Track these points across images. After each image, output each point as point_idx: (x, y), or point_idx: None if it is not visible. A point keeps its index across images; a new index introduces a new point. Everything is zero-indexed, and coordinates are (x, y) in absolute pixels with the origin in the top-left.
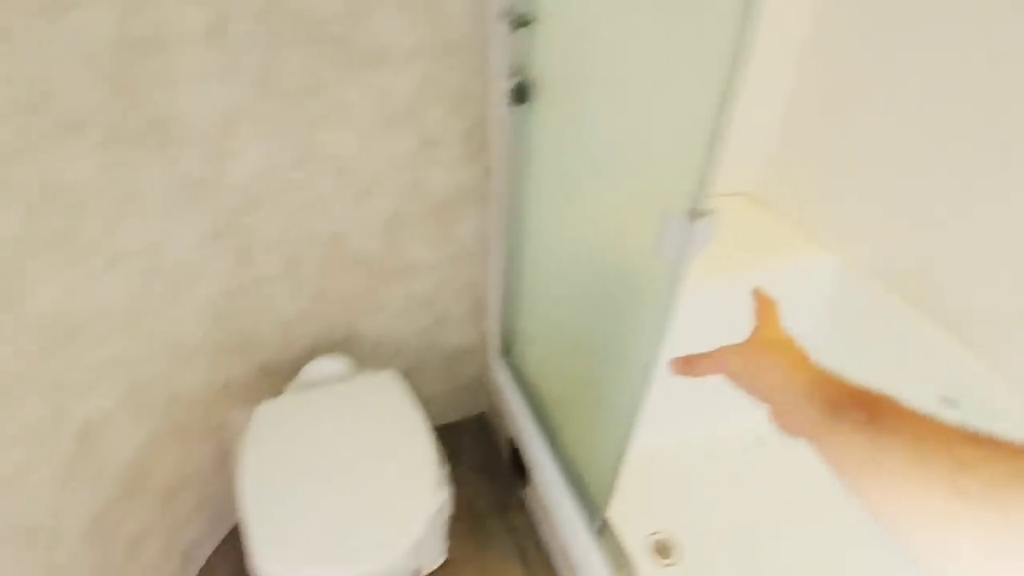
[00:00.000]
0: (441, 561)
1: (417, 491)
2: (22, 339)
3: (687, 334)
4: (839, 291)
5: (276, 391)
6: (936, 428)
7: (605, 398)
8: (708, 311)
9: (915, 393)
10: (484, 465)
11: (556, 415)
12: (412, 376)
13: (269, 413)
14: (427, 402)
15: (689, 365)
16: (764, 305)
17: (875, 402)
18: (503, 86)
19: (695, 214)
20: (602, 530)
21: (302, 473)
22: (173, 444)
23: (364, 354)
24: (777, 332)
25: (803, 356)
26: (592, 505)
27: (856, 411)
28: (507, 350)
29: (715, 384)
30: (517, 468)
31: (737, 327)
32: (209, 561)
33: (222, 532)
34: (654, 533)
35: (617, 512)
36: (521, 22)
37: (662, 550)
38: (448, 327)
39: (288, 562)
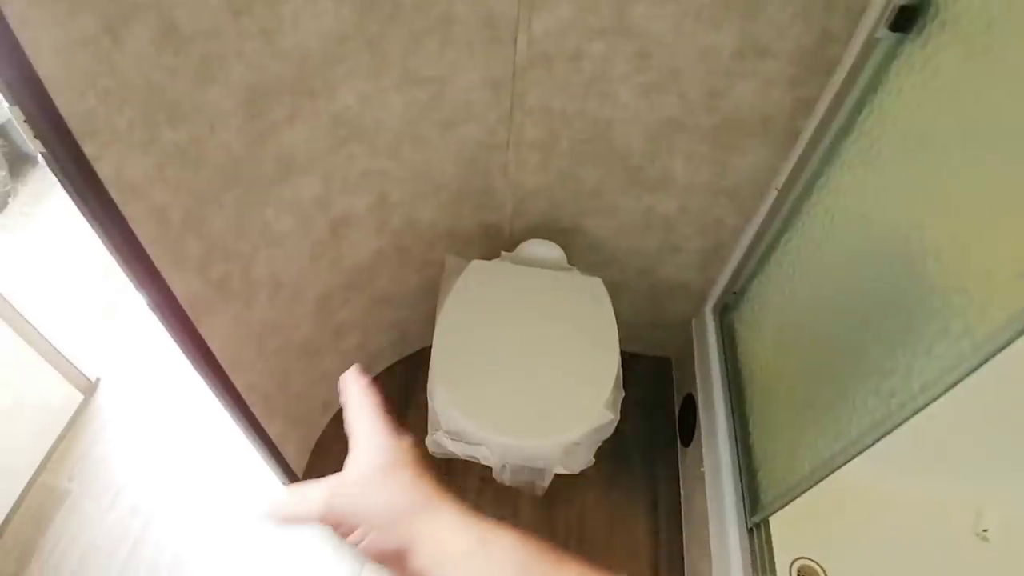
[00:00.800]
0: (578, 471)
1: (590, 401)
2: (322, 127)
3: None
4: None
5: (489, 255)
6: None
7: (831, 415)
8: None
9: None
10: (648, 407)
11: (755, 397)
12: (613, 292)
13: (481, 271)
14: (621, 323)
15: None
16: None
17: None
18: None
19: None
20: (755, 530)
21: (494, 335)
22: (394, 264)
23: (579, 253)
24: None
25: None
26: (756, 503)
27: None
28: (727, 308)
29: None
30: (683, 426)
31: None
32: (387, 371)
33: (402, 354)
34: (802, 557)
35: (773, 520)
36: None
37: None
38: (674, 260)
39: (457, 408)
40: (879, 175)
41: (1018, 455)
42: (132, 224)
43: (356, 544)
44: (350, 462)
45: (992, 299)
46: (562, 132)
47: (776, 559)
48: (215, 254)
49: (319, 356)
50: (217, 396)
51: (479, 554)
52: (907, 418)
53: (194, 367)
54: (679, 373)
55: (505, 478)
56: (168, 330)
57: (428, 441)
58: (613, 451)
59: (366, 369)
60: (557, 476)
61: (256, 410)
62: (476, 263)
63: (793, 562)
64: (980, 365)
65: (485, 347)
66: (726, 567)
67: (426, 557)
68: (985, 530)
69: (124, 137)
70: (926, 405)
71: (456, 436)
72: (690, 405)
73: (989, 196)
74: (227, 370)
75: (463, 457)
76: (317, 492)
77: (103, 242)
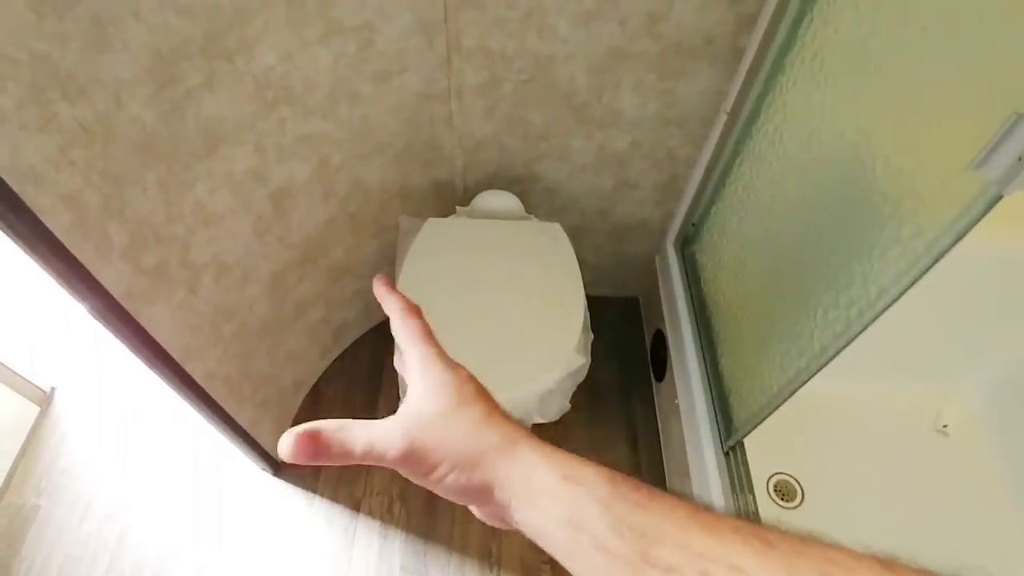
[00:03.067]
0: (555, 419)
1: (560, 347)
2: (245, 91)
3: (923, 295)
4: None
5: (445, 211)
6: None
7: (794, 332)
8: (968, 278)
9: None
10: (621, 348)
11: (721, 325)
12: (574, 236)
13: (437, 229)
14: (585, 267)
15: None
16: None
17: None
18: None
19: None
20: (731, 453)
21: (456, 293)
22: (347, 231)
23: (534, 199)
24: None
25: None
26: (730, 426)
27: None
28: (687, 240)
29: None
30: (655, 362)
31: None
32: (356, 343)
33: (371, 323)
34: (778, 473)
35: (747, 441)
36: None
37: (783, 491)
38: (631, 196)
39: None
40: (824, 87)
41: (970, 351)
42: (41, 215)
43: (437, 482)
44: (412, 398)
45: (941, 197)
46: (504, 74)
47: (753, 478)
48: (145, 240)
49: (282, 335)
50: (175, 389)
51: (561, 489)
52: (867, 325)
53: (143, 361)
54: (647, 310)
55: None
56: (105, 325)
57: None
58: (590, 394)
59: (335, 345)
60: (536, 426)
61: (220, 398)
62: (431, 221)
63: (770, 478)
64: (934, 263)
65: (448, 306)
66: (706, 490)
67: (508, 493)
68: (945, 425)
69: (13, 118)
70: (884, 310)
71: None
72: (660, 340)
73: (930, 94)
74: (179, 361)
75: None
76: (388, 432)
77: (9, 237)
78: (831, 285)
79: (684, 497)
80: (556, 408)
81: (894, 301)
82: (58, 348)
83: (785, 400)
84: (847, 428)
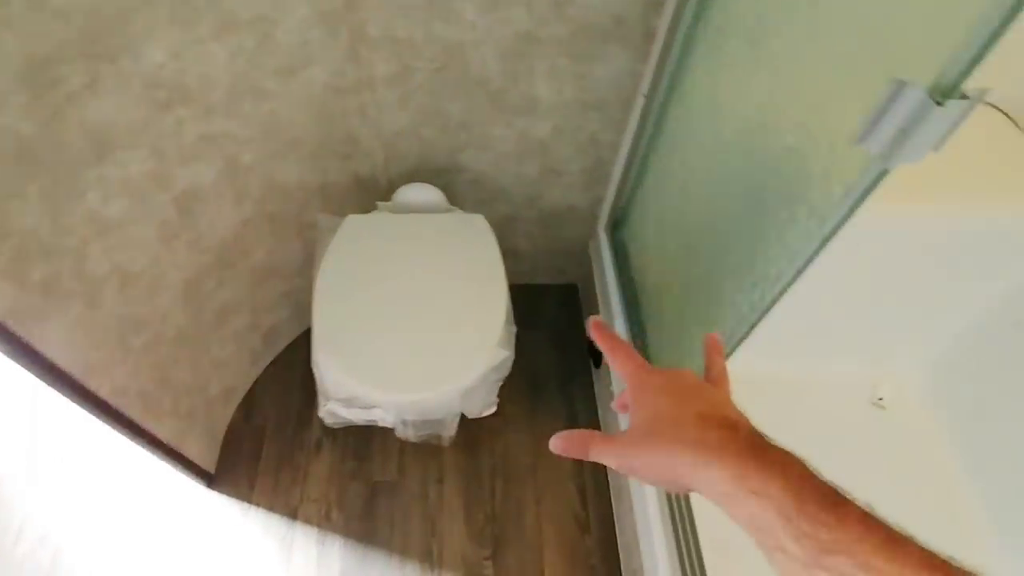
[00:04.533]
0: (487, 414)
1: (480, 342)
2: (134, 92)
3: (843, 273)
4: None
5: (368, 207)
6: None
7: (715, 308)
8: (889, 253)
9: None
10: (559, 334)
11: (651, 306)
12: (507, 226)
13: (356, 225)
14: (518, 257)
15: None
16: (718, 357)
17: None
18: None
19: (943, 92)
20: None
21: (376, 291)
22: (266, 233)
23: (460, 191)
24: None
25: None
26: None
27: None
28: (616, 224)
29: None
30: (593, 348)
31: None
32: (289, 348)
33: (303, 326)
34: None
35: None
36: None
37: None
38: (558, 182)
39: (342, 373)
40: (726, 64)
41: (901, 324)
42: None
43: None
44: (633, 420)
45: (830, 174)
46: (414, 63)
47: None
48: (30, 254)
49: (203, 344)
50: (81, 407)
51: (741, 499)
52: (768, 307)
53: (42, 381)
54: (585, 296)
55: (409, 435)
56: None
57: (322, 412)
58: (530, 384)
59: (266, 351)
60: (475, 420)
61: (134, 413)
62: (351, 218)
63: None
64: (824, 244)
65: (367, 305)
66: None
67: (708, 496)
68: (881, 399)
69: None
70: (783, 292)
71: (349, 403)
72: None
73: (819, 67)
74: (80, 379)
75: (361, 423)
76: (609, 452)
77: None
78: (736, 268)
79: (874, 520)
80: (481, 403)
81: (791, 282)
82: None
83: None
84: (786, 407)
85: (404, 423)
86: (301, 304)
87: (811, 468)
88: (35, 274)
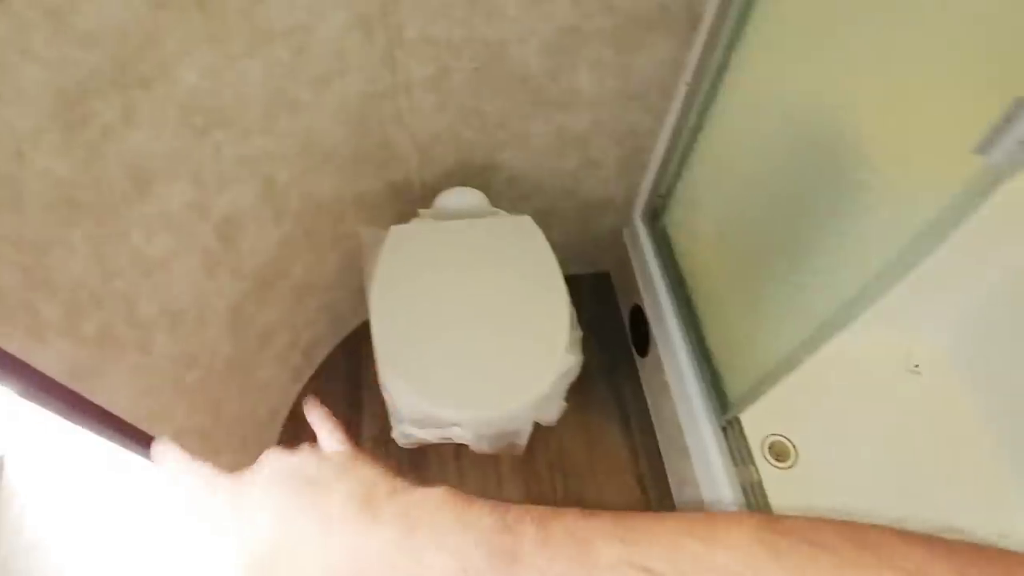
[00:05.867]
0: (555, 421)
1: (550, 349)
2: (171, 119)
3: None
4: None
5: (404, 213)
6: None
7: (786, 308)
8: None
9: None
10: (597, 325)
11: (702, 298)
12: (542, 221)
13: (402, 236)
14: (554, 250)
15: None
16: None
17: None
18: None
19: None
20: (728, 427)
21: (434, 304)
22: (304, 249)
23: (496, 190)
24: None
25: None
26: (725, 402)
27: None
28: (655, 213)
29: None
30: (637, 337)
31: None
32: (327, 360)
33: (340, 336)
34: (771, 435)
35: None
36: None
37: (778, 452)
38: (595, 174)
39: (415, 395)
40: (787, 52)
41: (931, 290)
42: None
43: None
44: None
45: (941, 179)
46: (452, 64)
47: (749, 439)
48: (82, 306)
49: (249, 370)
50: (144, 457)
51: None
52: (863, 308)
53: (106, 440)
54: (620, 284)
55: (484, 448)
56: (54, 412)
57: (395, 434)
58: (576, 380)
59: (306, 366)
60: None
61: (196, 454)
62: (395, 230)
63: (763, 441)
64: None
65: (428, 320)
66: (706, 467)
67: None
68: (916, 365)
69: None
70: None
71: (423, 423)
72: (639, 315)
73: (923, 71)
74: (145, 428)
75: (436, 442)
76: None
77: None
78: (817, 253)
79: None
80: (555, 410)
81: (881, 293)
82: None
83: (790, 371)
84: (825, 380)
85: (479, 437)
86: (338, 315)
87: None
88: (89, 327)
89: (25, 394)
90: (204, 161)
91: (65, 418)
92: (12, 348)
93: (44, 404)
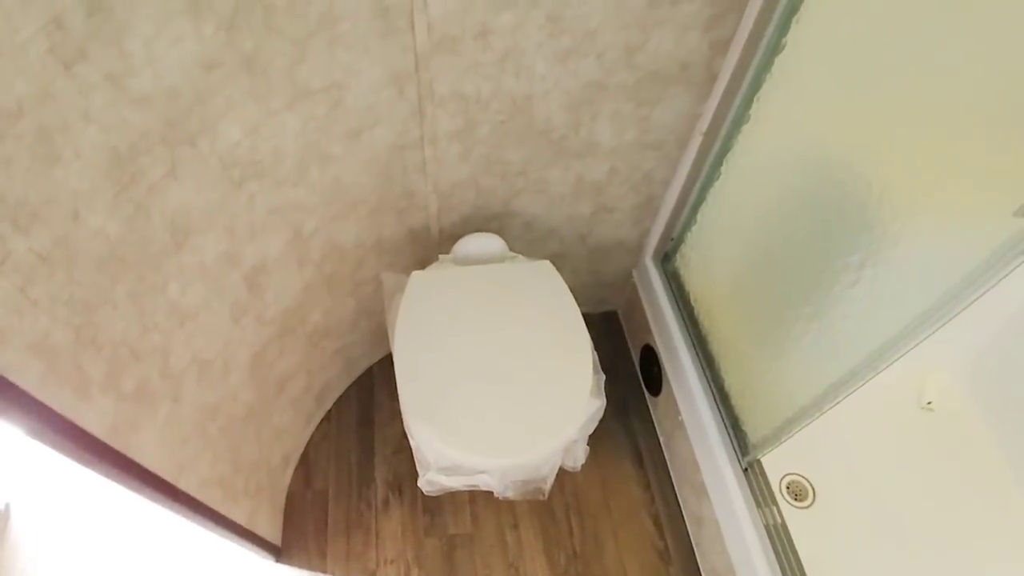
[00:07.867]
0: (581, 465)
1: (576, 395)
2: (211, 174)
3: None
4: None
5: (421, 258)
6: None
7: (812, 353)
8: None
9: None
10: (607, 364)
11: (717, 339)
12: (555, 263)
13: (423, 282)
14: None
15: None
16: None
17: None
18: None
19: None
20: (749, 469)
21: (457, 350)
22: (324, 294)
23: (513, 233)
24: None
25: None
26: (745, 443)
27: None
28: (666, 255)
29: None
30: (648, 376)
31: None
32: (339, 402)
33: (351, 378)
34: (788, 474)
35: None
36: None
37: (796, 492)
38: (609, 219)
39: (443, 444)
40: (811, 105)
41: (946, 328)
42: (9, 375)
43: None
44: None
45: (977, 237)
46: (479, 117)
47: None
48: (123, 362)
49: (266, 416)
50: (168, 508)
51: None
52: (909, 342)
53: (136, 493)
54: (629, 324)
55: (508, 495)
56: (96, 472)
57: (421, 483)
58: None
59: (317, 409)
60: None
61: (216, 503)
62: (415, 276)
63: (781, 480)
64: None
65: (453, 367)
66: (728, 507)
67: None
68: (929, 402)
69: None
70: (939, 321)
71: (451, 471)
72: (650, 355)
73: (949, 130)
74: (173, 481)
75: (462, 489)
76: None
77: None
78: (849, 315)
79: None
80: (581, 454)
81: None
82: (11, 460)
83: (816, 415)
84: (839, 419)
85: (505, 484)
86: (351, 359)
87: None
88: (129, 383)
89: (70, 454)
90: (239, 212)
91: (105, 478)
92: (61, 407)
93: (87, 464)
